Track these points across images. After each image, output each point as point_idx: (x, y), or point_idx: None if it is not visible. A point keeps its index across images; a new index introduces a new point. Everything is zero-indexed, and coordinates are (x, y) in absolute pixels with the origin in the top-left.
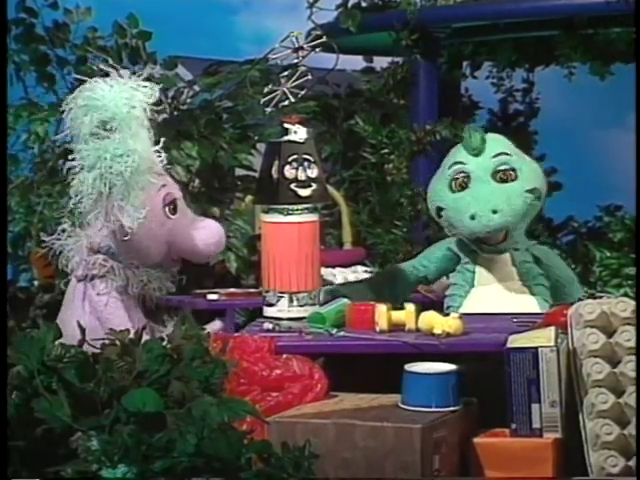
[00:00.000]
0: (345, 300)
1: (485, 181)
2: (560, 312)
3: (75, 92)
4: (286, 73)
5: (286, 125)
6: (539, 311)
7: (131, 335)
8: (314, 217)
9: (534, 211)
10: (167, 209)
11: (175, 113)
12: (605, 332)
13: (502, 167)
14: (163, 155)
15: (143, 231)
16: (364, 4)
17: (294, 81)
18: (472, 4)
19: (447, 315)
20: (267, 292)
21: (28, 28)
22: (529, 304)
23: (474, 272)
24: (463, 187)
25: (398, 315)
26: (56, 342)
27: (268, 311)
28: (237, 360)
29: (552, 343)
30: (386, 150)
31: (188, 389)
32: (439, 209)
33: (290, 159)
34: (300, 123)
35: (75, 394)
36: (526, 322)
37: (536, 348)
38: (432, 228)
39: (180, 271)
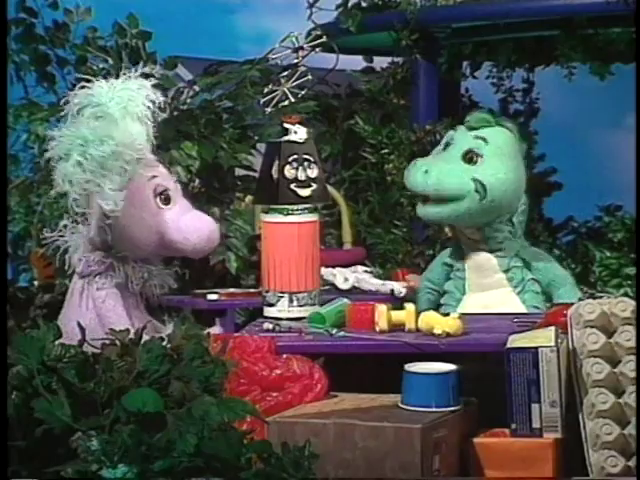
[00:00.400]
0: (345, 300)
1: (455, 151)
2: (560, 312)
3: (75, 90)
4: (286, 73)
5: (286, 125)
6: None
7: (131, 335)
8: (314, 217)
9: (472, 204)
10: (158, 199)
11: (175, 113)
12: (605, 332)
13: (475, 149)
14: (154, 150)
15: (134, 220)
16: (364, 4)
17: (294, 81)
18: (472, 4)
19: (447, 315)
20: (267, 292)
21: (28, 28)
22: (517, 311)
23: (465, 279)
24: (444, 148)
25: (398, 315)
26: (56, 342)
27: (268, 311)
28: (237, 360)
29: (552, 343)
30: (386, 150)
31: (188, 389)
32: None
33: (290, 159)
34: (300, 123)
35: (75, 394)
36: (526, 322)
37: (536, 348)
38: (432, 228)
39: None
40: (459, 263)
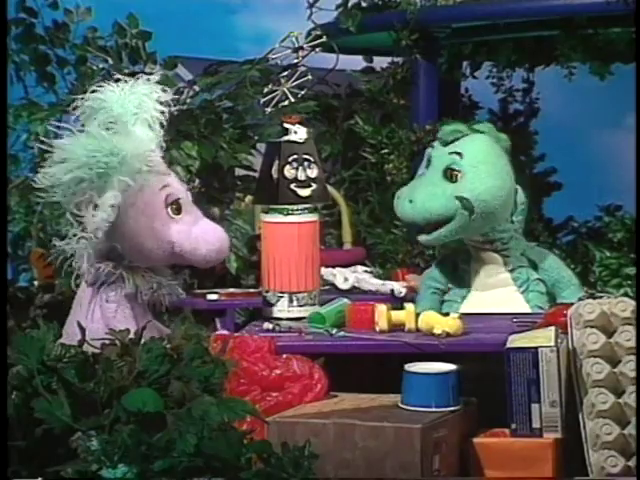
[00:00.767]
0: (345, 300)
1: (435, 171)
2: (560, 312)
3: (86, 94)
4: (286, 73)
5: (286, 125)
6: None
7: (131, 335)
8: (314, 217)
9: (463, 221)
10: (169, 209)
11: (175, 113)
12: (605, 332)
13: (452, 165)
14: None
15: (146, 230)
16: (364, 4)
17: (294, 81)
18: (472, 4)
19: (447, 315)
20: (267, 292)
21: (28, 28)
22: (521, 311)
23: (469, 278)
24: (426, 166)
25: (398, 315)
26: (56, 342)
27: (268, 311)
28: (237, 360)
29: (552, 343)
30: (386, 150)
31: (188, 389)
32: None
33: (290, 159)
34: (300, 123)
35: (75, 394)
36: (526, 322)
37: (536, 348)
38: None
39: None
40: (464, 262)
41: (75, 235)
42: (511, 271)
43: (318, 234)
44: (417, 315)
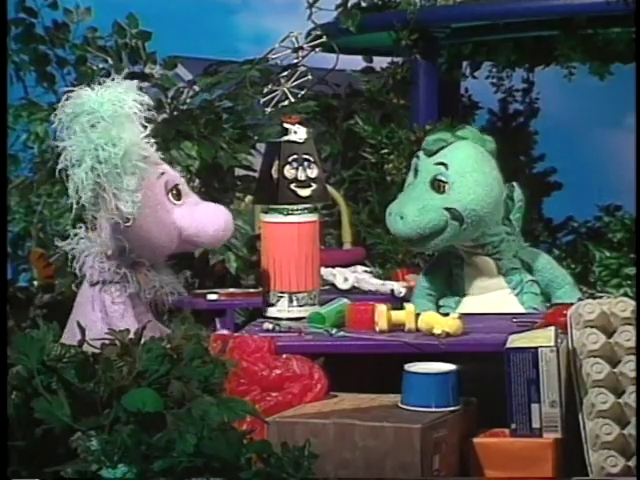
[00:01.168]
0: (345, 300)
1: (422, 183)
2: (560, 312)
3: (62, 101)
4: (286, 73)
5: (286, 125)
6: None
7: (131, 335)
8: (314, 217)
9: (455, 231)
10: (170, 195)
11: (175, 113)
12: (605, 332)
13: (438, 177)
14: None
15: (151, 220)
16: (364, 4)
17: (294, 81)
18: (472, 4)
19: (446, 315)
20: (267, 292)
21: (28, 28)
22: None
23: (463, 283)
24: (414, 177)
25: (398, 315)
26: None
27: (268, 311)
28: (237, 360)
29: (552, 343)
30: (386, 150)
31: (188, 389)
32: None
33: (290, 159)
34: (300, 123)
35: (75, 394)
36: (526, 322)
37: (536, 348)
38: None
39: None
40: (457, 267)
41: (76, 235)
42: (504, 274)
43: (318, 234)
44: (417, 315)
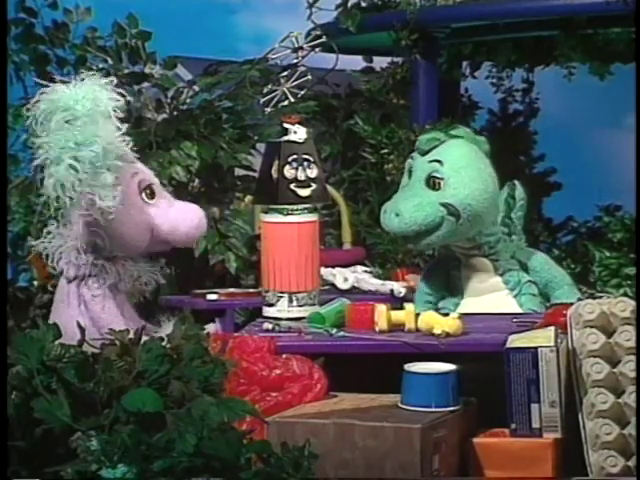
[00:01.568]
0: (345, 300)
1: (417, 181)
2: (560, 312)
3: (35, 97)
4: (286, 73)
5: (286, 125)
6: None
7: (131, 335)
8: (314, 217)
9: (451, 227)
10: (144, 194)
11: (175, 113)
12: (605, 332)
13: (433, 174)
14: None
15: (124, 219)
16: (364, 4)
17: (294, 81)
18: (472, 4)
19: (446, 315)
20: (267, 292)
21: (28, 28)
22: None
23: (461, 285)
24: (409, 177)
25: (398, 315)
26: (55, 342)
27: (268, 311)
28: (237, 360)
29: (552, 343)
30: (386, 150)
31: (188, 389)
32: None
33: (290, 159)
34: (300, 123)
35: (75, 394)
36: (526, 322)
37: (536, 348)
38: None
39: (179, 270)
40: (454, 269)
41: (50, 233)
42: (501, 275)
43: (318, 234)
44: (417, 315)
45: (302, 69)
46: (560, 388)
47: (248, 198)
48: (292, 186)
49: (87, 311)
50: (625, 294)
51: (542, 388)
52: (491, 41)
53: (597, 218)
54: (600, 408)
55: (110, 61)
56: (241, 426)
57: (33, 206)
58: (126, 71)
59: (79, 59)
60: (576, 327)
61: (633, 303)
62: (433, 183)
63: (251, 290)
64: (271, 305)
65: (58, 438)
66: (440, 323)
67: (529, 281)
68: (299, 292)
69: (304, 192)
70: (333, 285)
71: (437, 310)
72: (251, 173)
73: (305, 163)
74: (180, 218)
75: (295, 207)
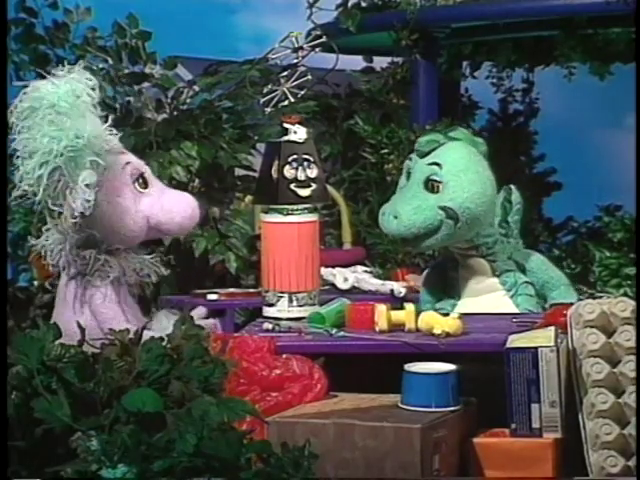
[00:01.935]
0: (345, 300)
1: (416, 184)
2: (560, 312)
3: (19, 96)
4: (286, 73)
5: (286, 125)
6: None
7: (131, 335)
8: (314, 217)
9: (450, 230)
10: (137, 184)
11: (175, 113)
12: (605, 332)
13: (432, 177)
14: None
15: (119, 210)
16: (364, 4)
17: (294, 81)
18: (472, 4)
19: (446, 315)
20: (267, 292)
21: (28, 28)
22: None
23: (458, 286)
24: (407, 179)
25: (398, 315)
26: (56, 342)
27: (268, 311)
28: (237, 360)
29: (552, 343)
30: (386, 150)
31: (188, 389)
32: None
33: (290, 159)
34: (300, 123)
35: (75, 394)
36: (526, 322)
37: (536, 348)
38: None
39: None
40: (452, 269)
41: (48, 230)
42: (499, 276)
43: (318, 234)
44: (417, 315)
45: (302, 69)
46: (560, 388)
47: (248, 198)
48: (292, 186)
49: (89, 307)
50: (625, 294)
51: (542, 388)
52: (491, 41)
53: (597, 218)
54: (600, 408)
55: (110, 61)
56: (241, 426)
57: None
58: (126, 71)
59: (79, 59)
60: (576, 327)
61: (633, 303)
62: (432, 186)
63: (251, 290)
64: (271, 305)
65: (58, 438)
66: (440, 323)
67: (526, 282)
68: (299, 292)
69: (304, 192)
70: (333, 285)
71: (435, 311)
72: (251, 173)
73: (305, 163)
74: (174, 207)
75: (295, 207)
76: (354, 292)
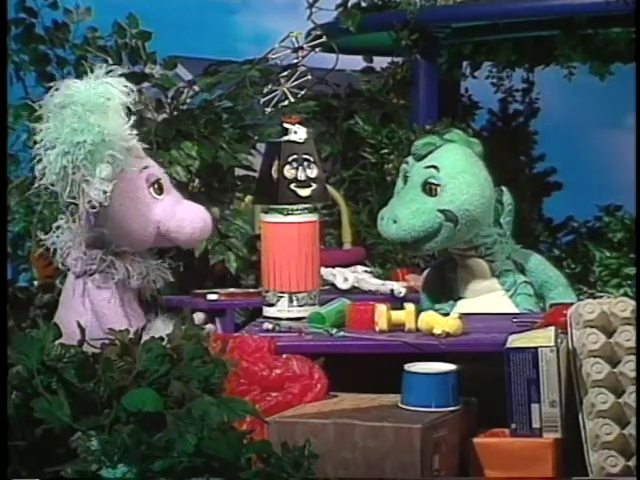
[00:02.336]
0: (345, 300)
1: (413, 187)
2: (560, 312)
3: (49, 92)
4: (286, 73)
5: (286, 125)
6: None
7: (131, 335)
8: (314, 217)
9: (449, 233)
10: (152, 189)
11: (175, 113)
12: (605, 332)
13: (430, 180)
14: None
15: (131, 212)
16: (364, 4)
17: (294, 81)
18: (472, 4)
19: (446, 315)
20: (267, 292)
21: (28, 28)
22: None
23: (457, 286)
24: (404, 183)
25: (398, 315)
26: (56, 342)
27: (268, 311)
28: (237, 360)
29: (552, 343)
30: (386, 150)
31: (188, 389)
32: None
33: (290, 159)
34: (300, 123)
35: (75, 394)
36: (526, 322)
37: (536, 348)
38: None
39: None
40: (450, 270)
41: (59, 227)
42: (497, 276)
43: (318, 234)
44: (417, 315)
45: (302, 69)
46: (560, 388)
47: (248, 198)
48: (292, 186)
49: (92, 306)
50: (625, 294)
51: (542, 388)
52: (491, 41)
53: (597, 218)
54: (600, 408)
55: (110, 61)
56: (241, 426)
57: (33, 206)
58: (126, 71)
59: (79, 59)
60: (576, 327)
61: (633, 303)
62: (430, 189)
63: (251, 290)
64: (271, 305)
65: (58, 438)
66: (440, 323)
67: (525, 281)
68: (299, 292)
69: (304, 192)
70: (333, 285)
71: (435, 311)
72: (251, 173)
73: (305, 163)
74: (187, 218)
75: (295, 207)
76: (354, 292)
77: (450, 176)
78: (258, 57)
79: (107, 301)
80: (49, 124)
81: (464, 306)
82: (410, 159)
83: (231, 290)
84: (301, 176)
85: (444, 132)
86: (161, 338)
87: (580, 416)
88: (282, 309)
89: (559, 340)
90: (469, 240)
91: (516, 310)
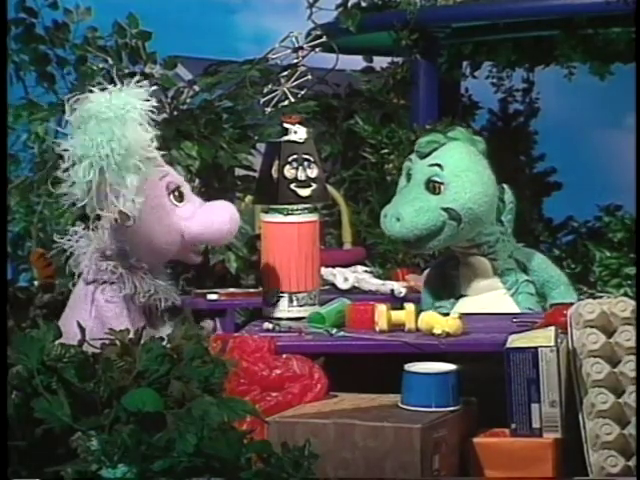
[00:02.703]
0: (345, 300)
1: (417, 185)
2: (560, 312)
3: (71, 103)
4: (286, 73)
5: (286, 125)
6: None
7: (131, 335)
8: (314, 217)
9: (453, 231)
10: (172, 197)
11: (175, 113)
12: (605, 332)
13: (434, 178)
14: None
15: (153, 221)
16: (364, 4)
17: (294, 81)
18: (472, 4)
19: (446, 315)
20: (267, 292)
21: (28, 28)
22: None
23: (459, 284)
24: (407, 180)
25: (398, 315)
26: (56, 342)
27: (268, 311)
28: (237, 360)
29: (552, 343)
30: (386, 150)
31: (188, 389)
32: None
33: (290, 159)
34: (300, 123)
35: (75, 394)
36: (526, 322)
37: (536, 348)
38: None
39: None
40: (452, 267)
41: (76, 233)
42: (499, 274)
43: (318, 234)
44: (417, 315)
45: (302, 69)
46: (560, 388)
47: (248, 198)
48: (292, 186)
49: (98, 315)
50: (625, 294)
51: (542, 388)
52: (491, 41)
53: (597, 218)
54: (600, 408)
55: (110, 61)
56: (241, 426)
57: (33, 206)
58: (126, 71)
59: (79, 59)
60: (576, 327)
61: (633, 303)
62: (433, 187)
63: (251, 290)
64: (271, 305)
65: (58, 438)
66: (440, 323)
67: (526, 280)
68: (299, 292)
69: (304, 192)
70: (333, 285)
71: (435, 310)
72: (251, 173)
73: (305, 163)
74: (211, 215)
75: (295, 207)
76: (354, 292)
77: (454, 174)
78: (258, 57)
79: (113, 313)
80: (72, 141)
81: (465, 304)
82: (413, 156)
83: (231, 290)
84: (301, 176)
85: (448, 130)
86: (161, 338)
87: (580, 416)
88: (282, 309)
89: (559, 340)
90: (472, 238)
91: (517, 309)
